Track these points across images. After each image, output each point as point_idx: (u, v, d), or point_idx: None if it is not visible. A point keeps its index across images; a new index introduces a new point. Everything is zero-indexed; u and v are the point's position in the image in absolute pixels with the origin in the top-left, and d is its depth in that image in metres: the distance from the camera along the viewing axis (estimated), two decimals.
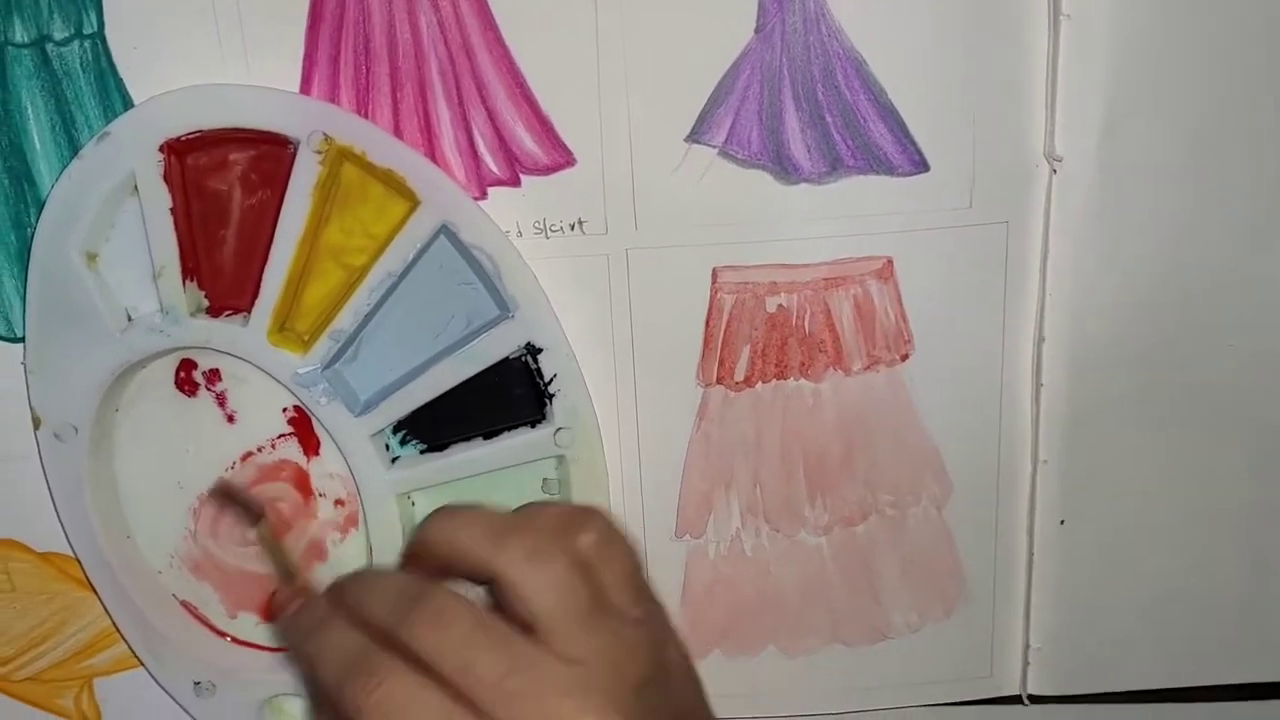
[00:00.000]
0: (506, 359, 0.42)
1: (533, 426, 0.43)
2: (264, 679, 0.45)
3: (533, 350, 0.42)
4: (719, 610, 0.46)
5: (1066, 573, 0.46)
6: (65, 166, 0.41)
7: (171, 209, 0.40)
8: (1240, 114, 0.41)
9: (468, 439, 0.43)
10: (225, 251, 0.42)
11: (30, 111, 0.41)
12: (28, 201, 0.41)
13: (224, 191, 0.41)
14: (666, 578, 0.46)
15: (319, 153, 0.40)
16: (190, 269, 0.41)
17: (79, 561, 0.45)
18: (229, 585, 0.46)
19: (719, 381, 0.44)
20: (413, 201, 0.40)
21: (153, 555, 0.45)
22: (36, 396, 0.43)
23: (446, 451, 0.43)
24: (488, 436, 0.43)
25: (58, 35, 0.40)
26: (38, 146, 0.41)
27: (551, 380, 0.42)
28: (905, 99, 0.41)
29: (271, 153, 0.41)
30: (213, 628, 0.46)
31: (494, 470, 0.43)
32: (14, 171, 0.41)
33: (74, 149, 0.41)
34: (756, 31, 0.40)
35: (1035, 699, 0.48)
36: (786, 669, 0.47)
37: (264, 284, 0.41)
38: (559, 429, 0.42)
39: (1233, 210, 0.42)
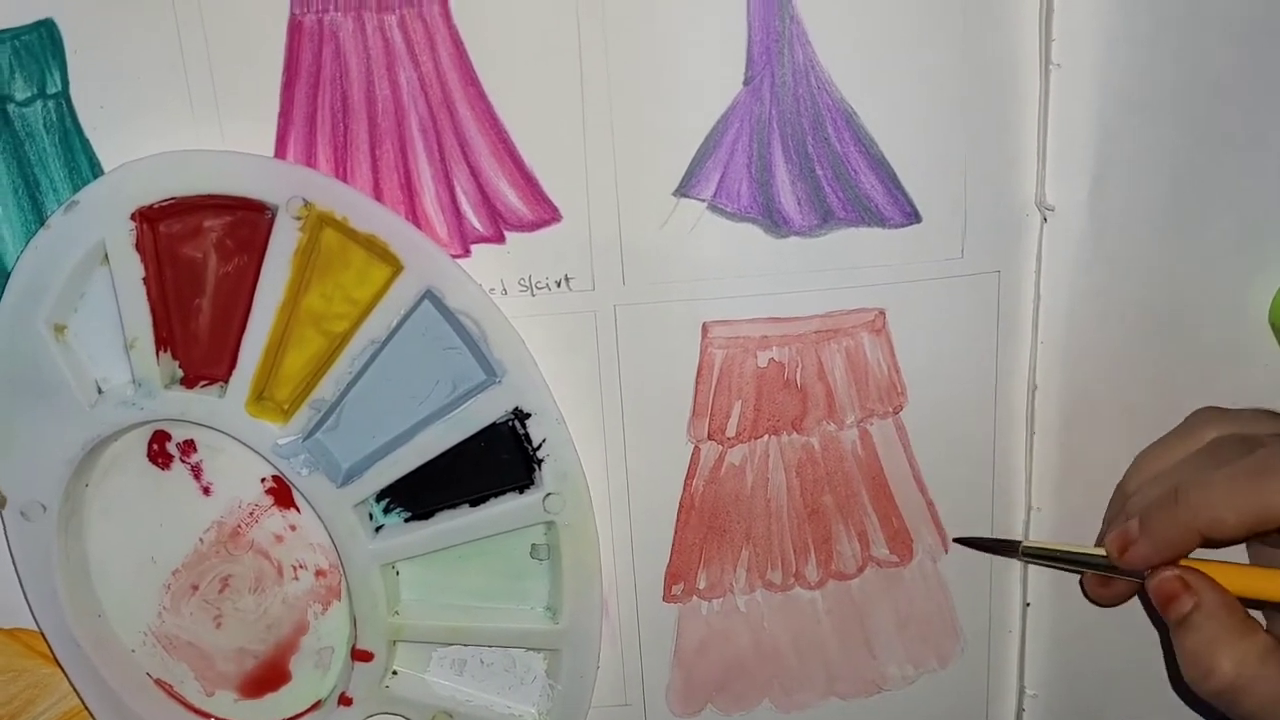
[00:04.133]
0: (494, 424, 0.41)
1: (521, 492, 0.42)
2: None
3: (521, 415, 0.41)
4: (713, 666, 0.46)
5: (1061, 619, 0.45)
6: (29, 231, 0.39)
7: (144, 278, 0.39)
8: (1228, 160, 0.41)
9: (454, 506, 0.42)
10: (200, 320, 0.40)
11: None
12: None
13: (198, 259, 0.40)
14: (659, 634, 0.45)
15: (298, 219, 0.39)
16: (164, 339, 0.40)
17: (45, 640, 0.43)
18: (204, 663, 0.44)
19: (710, 437, 0.43)
20: (395, 267, 0.39)
21: (125, 633, 0.44)
22: (2, 475, 0.41)
23: (432, 520, 0.42)
24: (474, 503, 0.42)
25: (19, 95, 0.38)
26: (0, 210, 0.39)
27: (540, 445, 0.41)
28: (896, 150, 0.40)
29: (248, 219, 0.39)
30: (189, 706, 0.45)
31: (481, 538, 0.42)
32: None
33: (38, 212, 0.39)
34: (745, 84, 0.39)
35: None
36: None
37: (242, 353, 0.40)
38: (548, 494, 0.41)
39: (1222, 257, 0.42)
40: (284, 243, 0.39)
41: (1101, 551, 0.39)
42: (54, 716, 0.45)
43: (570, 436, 0.41)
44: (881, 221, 0.41)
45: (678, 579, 0.44)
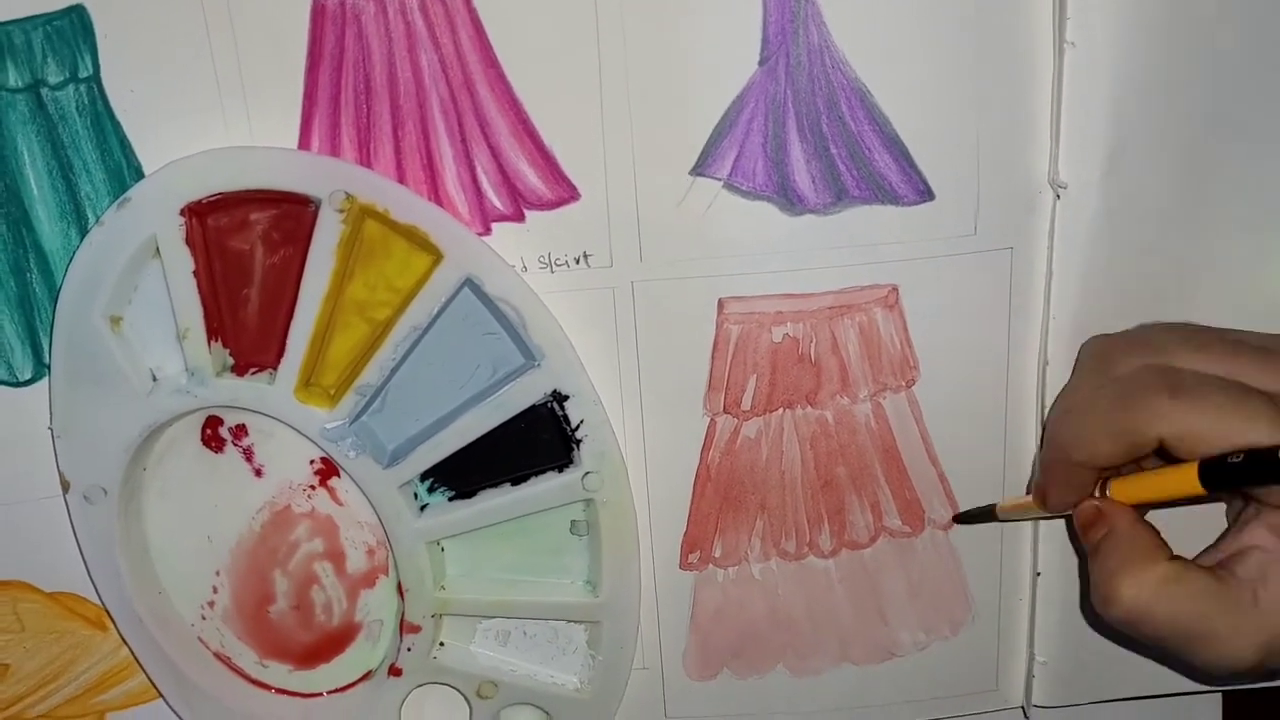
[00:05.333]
0: (533, 406, 0.42)
1: (560, 471, 0.43)
2: None
3: (559, 397, 0.42)
4: (728, 632, 0.47)
5: (1071, 588, 0.46)
6: (64, 211, 0.41)
7: (194, 271, 0.40)
8: (1242, 140, 0.41)
9: (495, 485, 0.43)
10: (249, 310, 0.42)
11: (26, 157, 0.40)
12: (26, 247, 0.41)
13: (246, 251, 0.41)
14: (676, 600, 0.46)
15: (341, 211, 0.40)
16: (215, 329, 0.41)
17: (109, 615, 0.45)
18: (258, 636, 0.46)
19: (726, 410, 0.44)
20: (436, 256, 0.40)
21: (185, 609, 0.46)
22: (64, 460, 0.43)
23: (475, 498, 0.44)
24: (515, 482, 0.43)
25: (52, 79, 0.39)
26: (35, 192, 0.40)
27: (578, 426, 0.42)
28: (910, 129, 0.41)
29: (292, 211, 0.40)
30: (246, 677, 0.47)
31: (523, 515, 0.43)
32: (11, 217, 0.41)
33: (72, 193, 0.40)
34: (760, 64, 0.40)
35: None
36: (796, 689, 0.48)
37: (289, 340, 0.41)
38: (587, 473, 0.43)
39: (1234, 236, 0.42)
40: (328, 235, 0.40)
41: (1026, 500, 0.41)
42: (93, 677, 0.47)
43: (607, 417, 0.43)
44: (895, 199, 0.41)
45: (694, 547, 0.46)
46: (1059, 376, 0.43)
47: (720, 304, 0.43)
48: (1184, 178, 0.41)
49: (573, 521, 0.44)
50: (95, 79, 0.39)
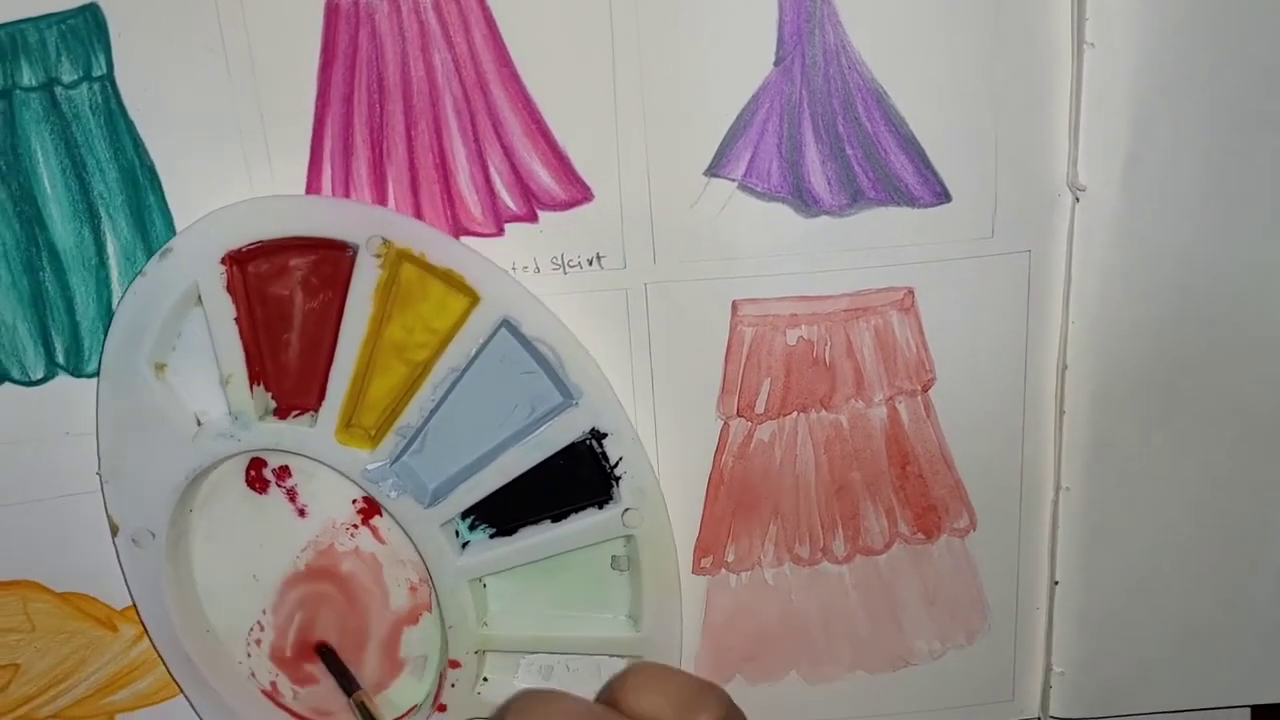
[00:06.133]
0: (572, 444, 0.42)
1: (600, 508, 0.43)
2: None
3: (598, 435, 0.42)
4: (741, 638, 0.46)
5: (1089, 597, 0.46)
6: (77, 210, 0.41)
7: (235, 318, 0.41)
8: (1263, 142, 0.40)
9: (536, 522, 0.43)
10: (290, 354, 0.42)
11: (40, 156, 0.40)
12: (39, 245, 0.41)
13: (285, 296, 0.41)
14: (688, 606, 0.46)
15: (378, 256, 0.40)
16: (256, 373, 0.42)
17: (159, 654, 0.45)
18: (306, 673, 0.47)
19: (739, 414, 0.44)
20: (473, 298, 0.40)
21: (233, 646, 0.46)
22: (113, 504, 0.43)
23: (516, 536, 0.44)
24: (555, 519, 0.43)
25: (66, 78, 0.39)
26: (48, 191, 0.40)
27: (618, 463, 0.42)
28: (926, 130, 0.40)
29: (330, 256, 0.41)
30: (294, 713, 0.47)
31: (564, 552, 0.44)
32: (25, 216, 0.41)
33: (85, 193, 0.40)
34: (776, 64, 0.40)
35: None
36: (809, 696, 0.47)
37: (330, 383, 0.41)
38: (627, 509, 0.43)
39: (1255, 237, 0.41)
40: (365, 279, 0.40)
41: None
42: (104, 678, 0.47)
43: (645, 453, 0.42)
44: (911, 201, 0.41)
45: (707, 552, 0.45)
46: (1077, 380, 0.43)
47: (734, 306, 0.42)
48: (1204, 179, 0.40)
49: (613, 557, 0.44)
50: (109, 78, 0.39)
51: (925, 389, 0.44)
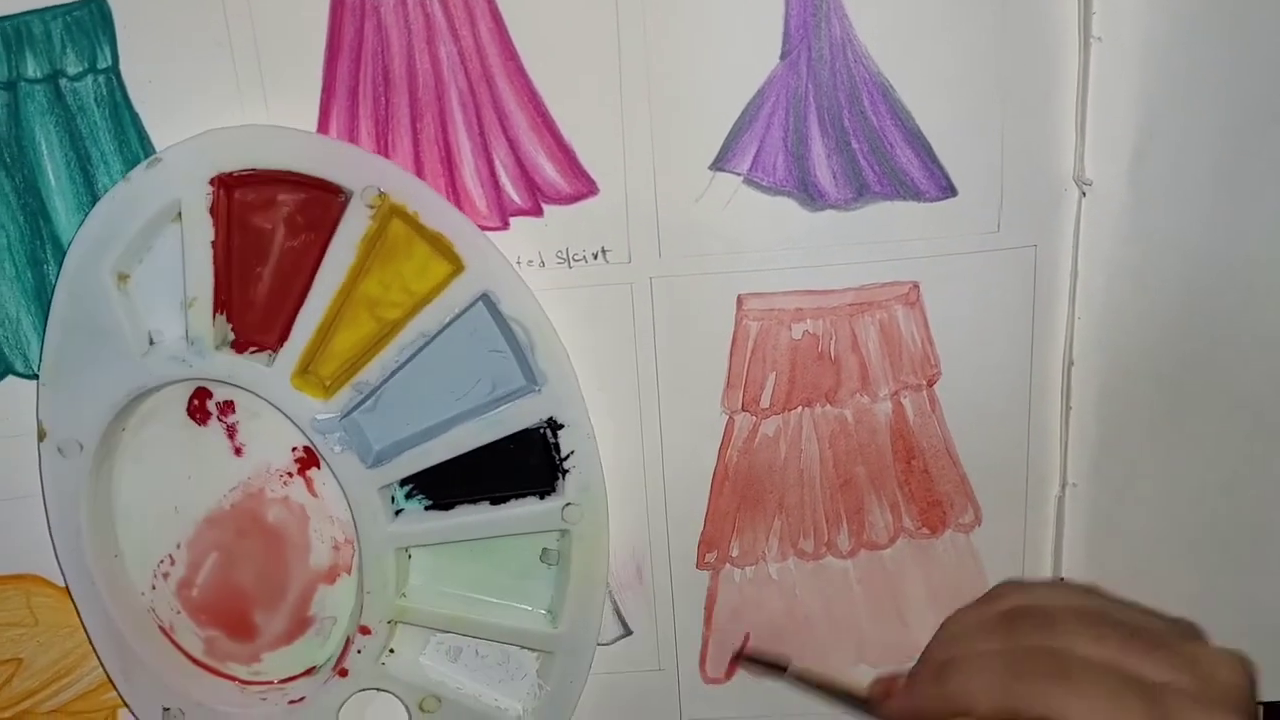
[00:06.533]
0: (526, 430, 0.42)
1: (541, 498, 0.43)
2: (233, 711, 0.45)
3: (554, 425, 0.42)
4: (745, 632, 0.46)
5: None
6: (81, 202, 0.41)
7: (213, 241, 0.40)
8: (1270, 137, 0.40)
9: (474, 501, 0.43)
10: (259, 289, 0.41)
11: (45, 148, 0.40)
12: (43, 238, 0.41)
13: (267, 230, 0.41)
14: (692, 601, 0.46)
15: (371, 207, 0.39)
16: (222, 302, 0.41)
17: (63, 572, 0.44)
18: (207, 615, 0.46)
19: (744, 408, 0.43)
20: (457, 266, 0.40)
21: (138, 576, 0.45)
22: (45, 409, 0.42)
23: (451, 512, 0.43)
24: (495, 502, 0.43)
25: (71, 70, 0.39)
26: (53, 183, 0.40)
27: (568, 456, 0.42)
28: (933, 124, 0.40)
29: (321, 199, 0.40)
30: (188, 655, 0.46)
31: (496, 536, 0.43)
32: (29, 209, 0.41)
33: (89, 184, 0.40)
34: (782, 58, 0.40)
35: None
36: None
37: (295, 326, 0.41)
38: (568, 504, 0.42)
39: (1262, 232, 0.41)
40: (353, 227, 0.40)
41: (860, 689, 0.40)
42: (104, 673, 0.47)
43: (597, 452, 0.42)
44: (917, 195, 0.41)
45: (711, 547, 0.45)
46: (1084, 376, 0.43)
47: (739, 300, 0.42)
48: (1211, 174, 0.40)
49: (544, 549, 0.44)
50: (114, 70, 0.39)
51: (930, 384, 0.43)
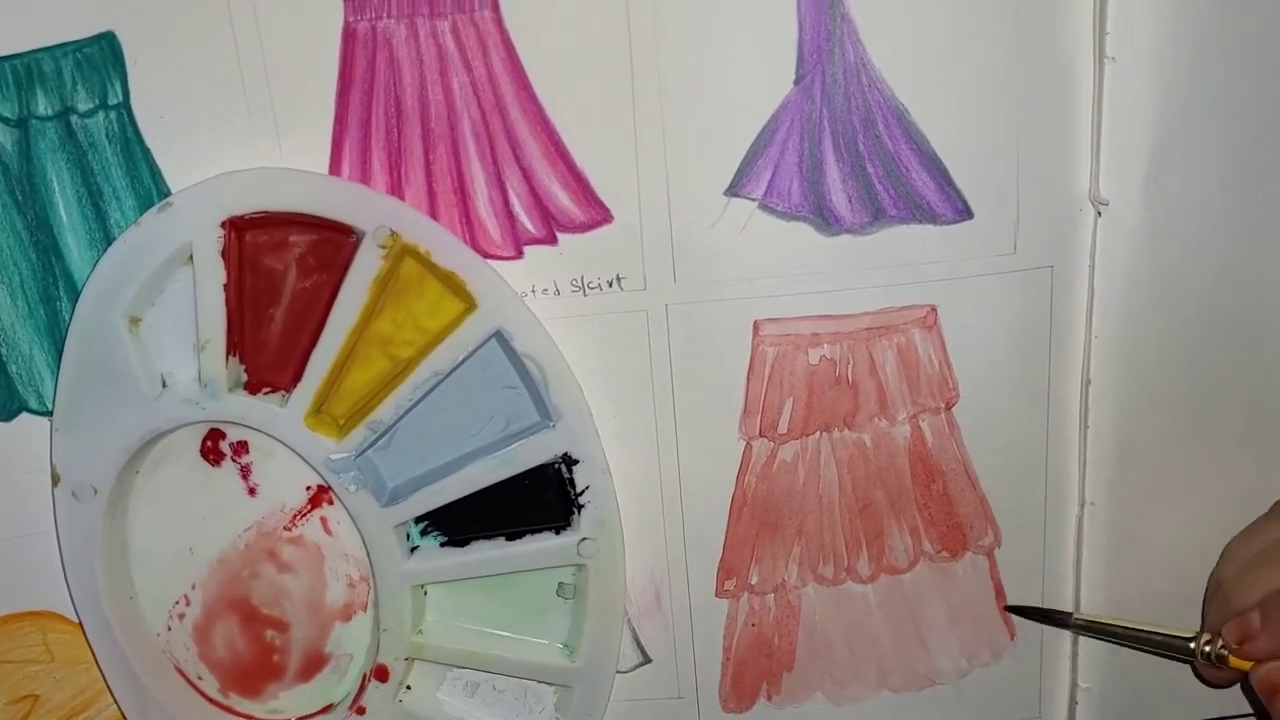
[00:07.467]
0: (541, 465, 0.42)
1: (557, 533, 0.43)
2: None
3: (569, 460, 0.42)
4: (765, 659, 0.46)
5: (1115, 611, 0.45)
6: (94, 239, 0.41)
7: (225, 285, 0.40)
8: None
9: (490, 537, 0.43)
10: (272, 330, 0.41)
11: (56, 185, 0.40)
12: (56, 275, 0.41)
13: (279, 271, 0.41)
14: (712, 628, 0.45)
15: (383, 247, 0.39)
16: (234, 343, 0.41)
17: (78, 617, 0.44)
18: (224, 655, 0.46)
19: (762, 434, 0.43)
20: (469, 304, 0.40)
21: (153, 618, 0.45)
22: (59, 454, 0.42)
23: (467, 548, 0.43)
24: (510, 537, 0.43)
25: (82, 107, 0.39)
26: (64, 219, 0.40)
27: (583, 491, 0.42)
28: (948, 147, 0.40)
29: (332, 240, 0.40)
30: (204, 694, 0.46)
31: (512, 572, 0.43)
32: (41, 245, 0.40)
33: (102, 221, 0.40)
34: (796, 83, 0.39)
35: None
36: (835, 717, 0.47)
37: (309, 366, 0.41)
38: (584, 539, 0.42)
39: (1278, 249, 0.41)
40: (366, 268, 0.40)
41: (1153, 626, 0.40)
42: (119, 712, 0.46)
43: (613, 487, 0.42)
44: (933, 218, 0.41)
45: (730, 574, 0.45)
46: (1101, 395, 0.43)
47: (756, 326, 0.42)
48: (1228, 193, 0.40)
49: (560, 584, 0.44)
50: (125, 106, 0.39)
51: (949, 406, 0.43)
